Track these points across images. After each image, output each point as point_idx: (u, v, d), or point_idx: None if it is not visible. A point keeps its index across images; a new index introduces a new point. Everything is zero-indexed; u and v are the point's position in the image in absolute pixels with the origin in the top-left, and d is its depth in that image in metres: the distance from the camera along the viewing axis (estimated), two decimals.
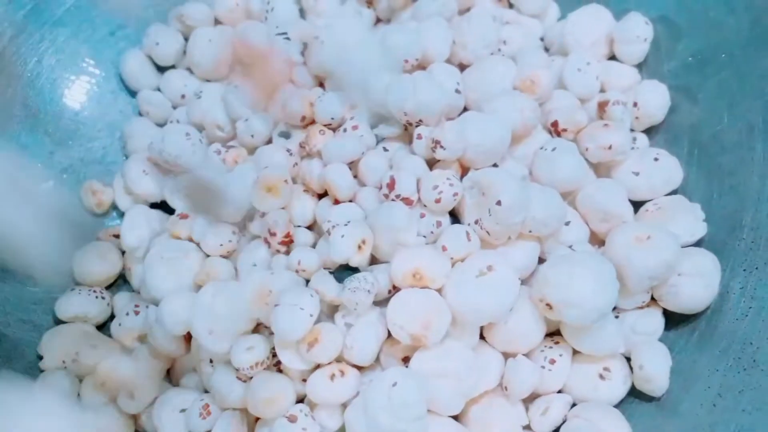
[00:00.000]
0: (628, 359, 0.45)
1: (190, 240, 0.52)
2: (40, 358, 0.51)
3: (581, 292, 0.41)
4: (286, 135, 0.54)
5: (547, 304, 0.42)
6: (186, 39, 0.64)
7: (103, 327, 0.55)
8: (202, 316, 0.44)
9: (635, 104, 0.54)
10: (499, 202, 0.43)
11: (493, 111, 0.49)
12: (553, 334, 0.46)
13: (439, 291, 0.44)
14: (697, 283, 0.45)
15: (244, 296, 0.43)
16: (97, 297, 0.54)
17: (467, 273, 0.43)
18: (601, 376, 0.45)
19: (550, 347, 0.45)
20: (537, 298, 0.43)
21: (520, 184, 0.44)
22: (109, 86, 0.65)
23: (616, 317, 0.47)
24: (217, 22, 0.66)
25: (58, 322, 0.54)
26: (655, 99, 0.53)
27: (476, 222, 0.45)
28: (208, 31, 0.63)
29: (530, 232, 0.45)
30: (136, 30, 0.66)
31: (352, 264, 0.45)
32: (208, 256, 0.51)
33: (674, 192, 0.51)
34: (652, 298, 0.47)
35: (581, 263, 0.42)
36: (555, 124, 0.52)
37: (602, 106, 0.53)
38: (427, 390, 0.40)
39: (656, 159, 0.51)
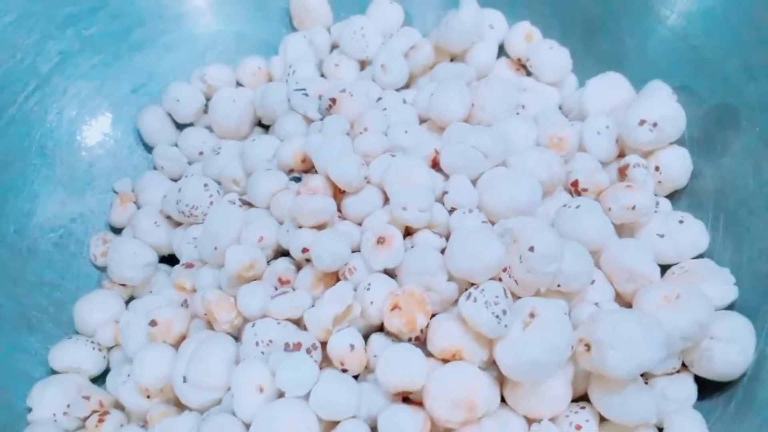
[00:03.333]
0: (660, 430, 0.42)
1: (194, 291, 0.50)
2: (30, 409, 0.48)
3: (628, 336, 0.38)
4: (297, 179, 0.53)
5: (586, 345, 0.39)
6: (207, 99, 0.65)
7: (96, 381, 0.52)
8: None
9: (657, 168, 0.53)
10: (531, 248, 0.40)
11: (520, 164, 0.49)
12: (579, 399, 0.43)
13: None
14: (731, 348, 0.42)
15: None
16: (93, 348, 0.52)
17: (511, 328, 0.40)
18: None
19: (576, 412, 0.42)
20: (578, 338, 0.40)
21: (554, 232, 0.42)
22: (126, 141, 0.66)
23: (645, 383, 0.43)
24: (238, 84, 0.67)
25: (52, 373, 0.51)
26: (678, 163, 0.53)
27: (504, 270, 0.42)
28: (232, 91, 0.64)
29: (559, 287, 0.43)
30: (157, 89, 0.67)
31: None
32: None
33: (700, 256, 0.49)
34: (683, 365, 0.44)
35: (637, 315, 0.40)
36: (575, 183, 0.51)
37: (623, 171, 0.52)
38: None
39: (681, 221, 0.49)
